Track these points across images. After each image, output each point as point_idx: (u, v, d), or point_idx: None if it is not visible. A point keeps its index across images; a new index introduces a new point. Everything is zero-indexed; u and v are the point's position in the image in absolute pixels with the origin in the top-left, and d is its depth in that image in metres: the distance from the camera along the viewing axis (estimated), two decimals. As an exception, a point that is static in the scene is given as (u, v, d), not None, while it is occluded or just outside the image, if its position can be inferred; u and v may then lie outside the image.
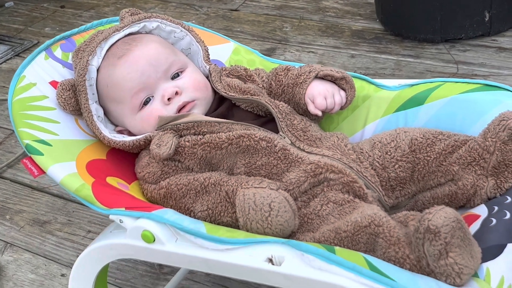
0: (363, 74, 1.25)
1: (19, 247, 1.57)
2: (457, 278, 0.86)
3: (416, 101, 1.19)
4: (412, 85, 1.21)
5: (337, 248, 0.90)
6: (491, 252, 0.92)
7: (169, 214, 0.99)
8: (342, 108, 1.20)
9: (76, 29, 1.28)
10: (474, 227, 0.99)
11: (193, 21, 2.47)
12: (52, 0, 2.87)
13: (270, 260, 0.92)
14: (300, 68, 1.21)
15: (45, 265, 1.51)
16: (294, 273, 0.89)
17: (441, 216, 0.85)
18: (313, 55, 2.13)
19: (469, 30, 2.02)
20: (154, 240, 0.99)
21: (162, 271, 1.44)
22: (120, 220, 1.01)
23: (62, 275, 1.48)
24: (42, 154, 1.06)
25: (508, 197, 1.01)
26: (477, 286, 0.88)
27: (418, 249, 0.87)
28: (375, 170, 1.11)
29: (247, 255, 0.93)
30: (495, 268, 0.90)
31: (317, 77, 1.18)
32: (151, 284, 1.42)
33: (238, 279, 1.38)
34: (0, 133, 2.01)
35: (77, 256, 1.49)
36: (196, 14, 2.54)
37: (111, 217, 1.02)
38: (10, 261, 1.54)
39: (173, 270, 1.43)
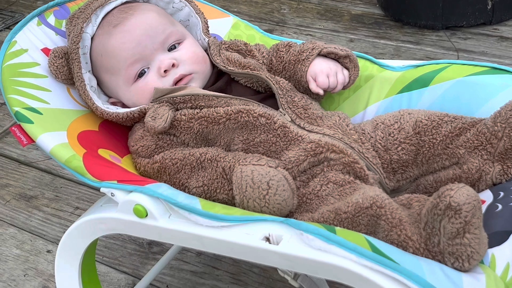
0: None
1: (4, 221, 1.53)
2: (466, 262, 0.82)
3: (421, 83, 1.15)
4: (417, 66, 1.17)
5: (338, 228, 0.87)
6: (497, 238, 0.89)
7: (163, 188, 0.95)
8: (344, 87, 1.16)
9: (71, -4, 1.23)
10: (479, 212, 0.95)
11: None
12: (45, -27, 2.80)
13: (267, 239, 0.88)
14: (303, 44, 1.16)
15: (31, 241, 1.47)
16: (292, 252, 0.85)
17: (463, 193, 0.81)
18: (311, 38, 2.09)
19: (471, 18, 1.99)
20: (147, 215, 0.95)
21: (151, 250, 1.41)
22: (111, 193, 0.97)
23: (48, 251, 1.44)
24: (32, 122, 1.01)
25: (515, 183, 0.98)
26: (482, 272, 0.84)
27: (432, 226, 0.83)
28: (377, 151, 1.07)
29: (243, 233, 0.89)
30: (501, 254, 0.87)
31: (320, 54, 1.14)
32: (139, 263, 1.38)
33: (229, 260, 1.34)
34: (-13, 105, 1.96)
35: (64, 232, 1.46)
36: (192, -7, 2.49)
37: (102, 189, 0.98)
38: (-6, 235, 1.50)
39: (163, 250, 1.39)
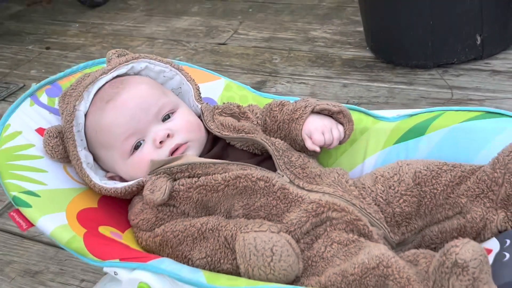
0: (356, 103, 1.22)
1: (10, 300, 1.51)
2: (480, 318, 0.81)
3: (416, 132, 1.15)
4: (412, 115, 1.17)
5: (345, 293, 0.86)
6: (507, 289, 0.88)
7: (166, 263, 0.94)
8: (341, 142, 1.16)
9: (62, 73, 1.24)
10: (487, 262, 0.94)
11: (181, 57, 2.44)
12: (37, 41, 2.84)
13: (275, 309, 0.87)
14: (296, 102, 1.17)
15: (38, 318, 1.45)
16: (302, 322, 0.84)
17: (469, 249, 0.81)
18: (304, 86, 2.10)
19: (461, 54, 2.00)
20: (152, 293, 0.94)
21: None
22: (114, 272, 0.96)
23: (57, 328, 1.42)
24: (30, 206, 1.01)
25: (520, 230, 0.97)
26: (496, 327, 0.83)
27: (441, 284, 0.82)
28: (378, 205, 1.06)
29: (250, 305, 0.88)
30: (513, 306, 0.86)
31: (313, 111, 1.14)
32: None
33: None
34: (-12, 180, 1.96)
35: (71, 307, 1.44)
36: (184, 49, 2.51)
37: (105, 269, 0.97)
38: (1, 316, 1.48)
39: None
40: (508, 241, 0.96)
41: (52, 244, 1.66)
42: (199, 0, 2.97)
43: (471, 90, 1.91)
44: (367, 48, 2.22)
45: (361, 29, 2.26)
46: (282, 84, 2.13)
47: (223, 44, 2.51)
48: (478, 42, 1.98)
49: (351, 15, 2.49)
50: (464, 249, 0.80)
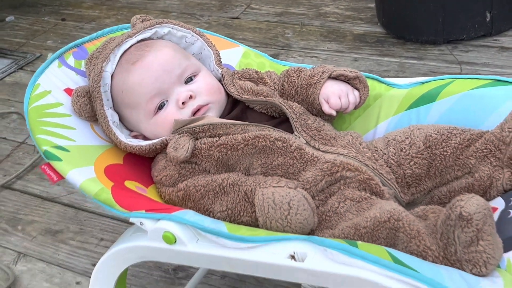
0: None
1: (33, 257, 1.58)
2: (483, 267, 0.87)
3: (428, 98, 1.20)
4: (423, 82, 1.22)
5: (359, 242, 0.91)
6: (510, 243, 0.93)
7: (190, 215, 1.00)
8: (356, 107, 1.21)
9: (87, 37, 1.29)
10: (492, 219, 1.00)
11: (195, 30, 2.49)
12: (52, 13, 2.90)
13: (293, 257, 0.92)
14: (313, 69, 1.22)
15: (60, 274, 1.52)
16: (317, 268, 0.90)
17: (473, 203, 0.86)
18: (316, 60, 2.15)
19: (471, 31, 2.05)
20: (176, 241, 0.99)
21: (177, 276, 1.45)
22: (140, 222, 1.02)
23: (77, 283, 1.48)
24: (61, 160, 1.07)
25: (525, 189, 1.02)
26: (499, 276, 0.89)
27: (447, 236, 0.88)
28: (390, 167, 1.12)
29: (269, 253, 0.94)
30: (516, 258, 0.91)
31: (330, 77, 1.19)
32: (166, 289, 1.42)
33: (253, 281, 1.39)
34: (8, 145, 2.02)
35: (91, 264, 1.51)
36: (198, 23, 2.57)
37: (131, 219, 1.03)
38: (24, 271, 1.54)
39: (188, 275, 1.44)
40: (513, 200, 1.01)
41: (71, 205, 1.72)
42: None
43: (480, 65, 1.96)
44: (378, 23, 2.27)
45: (373, 5, 2.31)
46: (294, 57, 2.19)
47: (236, 18, 2.56)
48: (488, 19, 2.02)
49: (363, -9, 2.54)
50: (469, 203, 0.86)
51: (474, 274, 0.88)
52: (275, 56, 2.19)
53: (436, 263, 0.90)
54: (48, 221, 1.69)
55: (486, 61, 1.97)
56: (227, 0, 2.73)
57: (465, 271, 0.88)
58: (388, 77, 1.81)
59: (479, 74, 1.91)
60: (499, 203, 1.03)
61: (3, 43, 2.69)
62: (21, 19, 2.90)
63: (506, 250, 0.92)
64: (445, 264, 0.90)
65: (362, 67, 2.06)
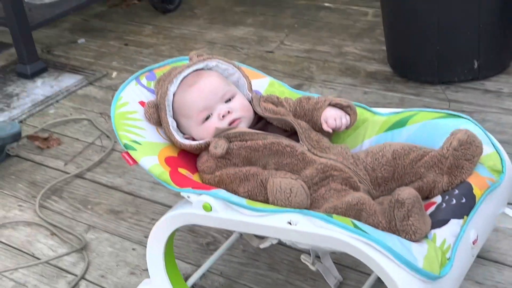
0: (373, 107, 1.69)
1: (100, 229, 2.04)
2: (413, 235, 1.30)
3: (400, 124, 1.63)
4: (397, 112, 1.66)
5: (334, 215, 1.36)
6: (438, 224, 1.35)
7: (222, 192, 1.45)
8: (347, 128, 1.64)
9: (157, 64, 1.76)
10: (431, 209, 1.42)
11: (235, 60, 2.96)
12: (117, 38, 3.36)
13: (289, 223, 1.37)
14: (318, 98, 1.67)
15: (120, 242, 1.98)
16: (305, 230, 1.34)
17: (406, 192, 1.29)
18: (333, 91, 2.58)
19: (461, 75, 2.46)
20: (211, 209, 1.45)
21: (209, 248, 1.90)
22: (188, 196, 1.47)
23: (133, 249, 1.94)
24: (136, 150, 1.53)
25: (456, 190, 1.44)
26: (426, 243, 1.32)
27: (390, 214, 1.32)
28: (366, 171, 1.55)
29: (274, 219, 1.38)
30: (440, 233, 1.33)
31: (330, 104, 1.64)
32: (200, 257, 1.87)
33: (266, 254, 1.83)
34: (80, 144, 2.49)
35: (144, 236, 1.97)
36: (238, 54, 3.01)
37: (182, 194, 1.48)
38: (93, 239, 2.01)
39: (217, 248, 1.88)
40: (447, 196, 1.43)
41: (130, 193, 2.19)
42: (254, 13, 3.38)
43: (465, 104, 2.37)
44: (388, 64, 2.71)
45: (384, 48, 2.75)
46: (315, 88, 2.63)
47: (271, 52, 3.01)
48: (475, 66, 2.44)
49: (378, 36, 2.94)
50: (403, 192, 1.29)
51: (408, 239, 1.31)
52: (299, 86, 2.63)
53: (384, 231, 1.34)
54: (112, 203, 2.16)
55: (471, 100, 2.37)
56: (264, 36, 3.17)
57: (402, 237, 1.32)
58: (390, 108, 2.24)
59: (463, 110, 2.33)
60: (438, 199, 1.45)
61: (75, 61, 3.15)
62: (91, 42, 3.35)
63: (433, 227, 1.35)
64: (390, 233, 1.33)
65: (370, 99, 2.49)
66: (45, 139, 2.53)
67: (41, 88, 2.93)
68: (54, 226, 2.07)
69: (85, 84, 2.92)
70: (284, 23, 3.26)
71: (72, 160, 2.40)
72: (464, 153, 1.43)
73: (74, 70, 3.06)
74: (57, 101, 2.82)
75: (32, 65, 3.02)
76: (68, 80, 2.97)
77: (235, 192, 1.49)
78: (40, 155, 2.46)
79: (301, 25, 3.22)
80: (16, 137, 2.38)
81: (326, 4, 3.41)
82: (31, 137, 2.54)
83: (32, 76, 3.02)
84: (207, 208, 1.44)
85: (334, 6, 3.37)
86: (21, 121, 2.69)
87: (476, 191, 1.43)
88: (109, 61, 3.13)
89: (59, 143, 2.51)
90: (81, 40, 3.36)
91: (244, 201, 1.43)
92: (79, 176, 2.31)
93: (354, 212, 1.38)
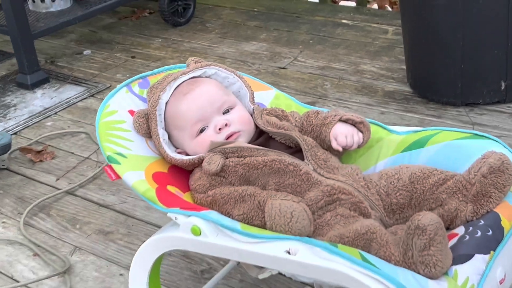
0: None
1: (86, 250, 1.88)
2: (433, 268, 1.11)
3: (418, 144, 1.46)
4: (416, 131, 1.48)
5: (339, 244, 1.18)
6: (461, 259, 1.18)
7: (213, 214, 1.29)
8: (359, 146, 1.47)
9: (151, 71, 1.61)
10: (453, 241, 1.24)
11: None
12: (124, 50, 3.25)
13: (288, 252, 1.19)
14: (328, 112, 1.50)
15: (107, 266, 1.81)
16: (305, 261, 1.17)
17: (428, 217, 1.12)
18: (348, 110, 2.42)
19: (487, 97, 2.28)
20: (200, 233, 1.27)
21: (203, 277, 1.72)
22: (175, 217, 1.30)
23: (121, 274, 1.77)
24: (120, 164, 1.37)
25: (482, 220, 1.26)
26: (445, 281, 1.13)
27: (407, 243, 1.13)
28: (380, 196, 1.38)
29: (270, 247, 1.21)
30: (462, 270, 1.15)
31: (340, 120, 1.47)
32: (193, 286, 1.70)
33: (265, 287, 1.65)
34: (75, 159, 2.35)
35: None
36: (249, 69, 2.87)
37: (168, 214, 1.31)
38: (78, 261, 1.85)
39: (212, 276, 1.71)
40: (471, 228, 1.26)
41: (122, 213, 2.03)
42: (267, 28, 3.32)
43: (490, 127, 2.19)
44: (407, 83, 2.54)
45: (404, 66, 2.58)
46: (329, 106, 2.47)
47: (283, 68, 2.86)
48: (502, 88, 2.27)
49: (398, 54, 2.80)
50: (425, 217, 1.11)
51: (425, 274, 1.12)
52: (311, 103, 2.47)
53: (396, 265, 1.15)
54: (102, 223, 1.99)
55: (497, 124, 2.20)
56: (277, 52, 3.03)
57: (418, 272, 1.13)
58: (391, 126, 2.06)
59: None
60: (460, 230, 1.27)
61: (78, 73, 3.04)
62: (97, 53, 3.25)
63: (455, 263, 1.17)
64: (404, 267, 1.15)
65: (387, 120, 2.32)
66: (39, 152, 2.38)
67: (40, 99, 2.81)
68: (38, 246, 1.91)
69: (86, 96, 2.82)
70: (298, 39, 3.14)
71: (65, 175, 2.25)
72: (494, 182, 1.25)
73: (76, 81, 2.96)
74: (55, 113, 2.70)
75: (33, 75, 2.90)
76: (69, 92, 2.86)
77: (229, 215, 1.33)
78: (31, 168, 2.31)
79: (316, 41, 3.12)
80: (6, 148, 2.23)
81: (344, 21, 3.27)
82: (24, 150, 2.40)
83: (33, 86, 2.90)
84: (196, 231, 1.28)
85: (352, 23, 3.23)
86: (15, 133, 2.56)
87: (505, 223, 1.26)
88: (114, 73, 3.01)
89: (52, 156, 2.37)
90: (87, 52, 3.27)
91: (238, 225, 1.26)
92: (70, 192, 2.17)
93: (363, 242, 1.20)
